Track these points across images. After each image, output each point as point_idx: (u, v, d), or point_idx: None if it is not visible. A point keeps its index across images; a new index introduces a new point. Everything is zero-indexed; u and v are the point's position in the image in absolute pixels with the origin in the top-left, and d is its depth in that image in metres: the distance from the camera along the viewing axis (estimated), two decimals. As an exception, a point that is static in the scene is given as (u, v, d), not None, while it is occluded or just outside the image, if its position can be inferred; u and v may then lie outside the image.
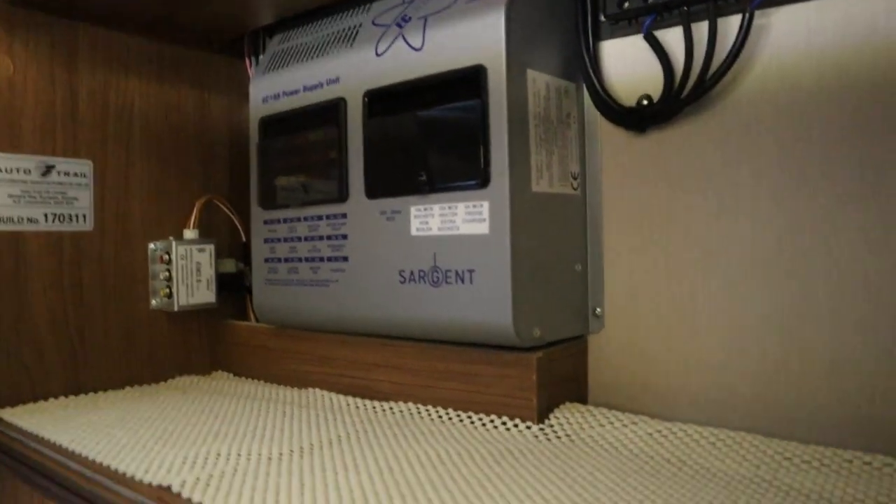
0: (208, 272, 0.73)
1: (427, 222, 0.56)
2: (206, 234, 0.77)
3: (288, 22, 0.73)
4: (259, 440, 0.52)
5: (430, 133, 0.56)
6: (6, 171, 0.62)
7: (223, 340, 0.78)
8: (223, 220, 0.77)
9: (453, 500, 0.40)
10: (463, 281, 0.54)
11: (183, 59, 0.75)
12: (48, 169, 0.65)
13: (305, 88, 0.64)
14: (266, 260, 0.70)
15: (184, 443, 0.52)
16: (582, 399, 0.59)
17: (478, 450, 0.49)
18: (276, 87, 0.69)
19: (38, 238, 0.64)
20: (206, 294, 0.73)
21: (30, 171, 0.64)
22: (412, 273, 0.57)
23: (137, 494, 0.44)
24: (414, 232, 0.57)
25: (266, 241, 0.69)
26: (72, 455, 0.51)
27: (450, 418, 0.57)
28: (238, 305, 0.80)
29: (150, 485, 0.44)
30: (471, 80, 0.54)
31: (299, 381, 0.69)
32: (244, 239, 0.79)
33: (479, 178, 0.53)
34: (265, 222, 0.70)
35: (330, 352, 0.66)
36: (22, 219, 0.63)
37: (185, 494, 0.42)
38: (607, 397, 0.59)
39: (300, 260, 0.66)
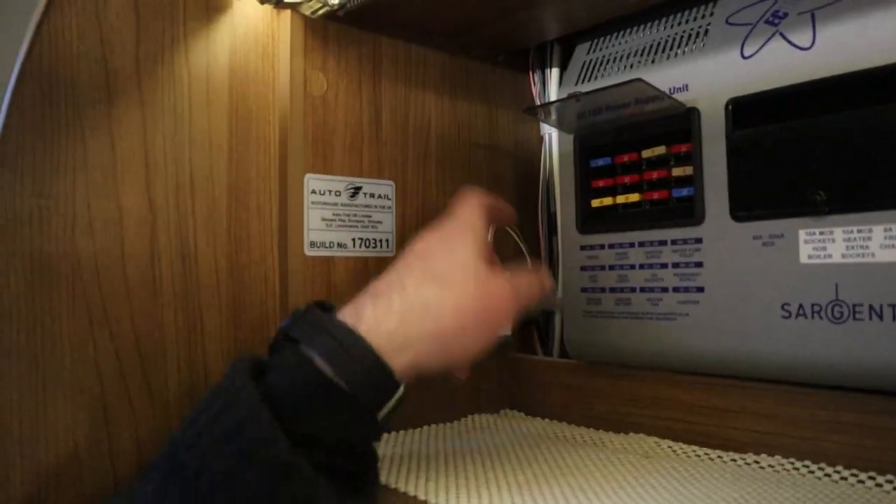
0: (503, 303, 0.67)
1: (824, 248, 0.48)
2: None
3: (578, 33, 0.67)
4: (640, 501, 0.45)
5: (829, 145, 0.48)
6: (319, 192, 0.58)
7: (512, 377, 0.72)
8: (510, 246, 0.70)
9: None
10: (881, 318, 0.46)
11: (471, 72, 0.69)
12: (356, 191, 0.60)
13: (638, 101, 0.57)
14: (584, 290, 0.63)
15: (556, 499, 0.45)
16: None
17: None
18: (594, 101, 0.62)
19: (346, 263, 0.59)
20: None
21: (340, 192, 0.60)
22: (801, 307, 0.49)
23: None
24: (805, 260, 0.49)
25: (584, 268, 0.63)
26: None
27: (843, 478, 0.48)
28: (524, 340, 0.74)
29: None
30: (891, 81, 0.46)
31: (613, 423, 0.62)
32: (530, 267, 0.73)
33: (908, 196, 0.45)
34: (583, 248, 0.63)
35: (659, 392, 0.59)
36: (333, 244, 0.59)
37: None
38: None
39: (633, 290, 0.59)
